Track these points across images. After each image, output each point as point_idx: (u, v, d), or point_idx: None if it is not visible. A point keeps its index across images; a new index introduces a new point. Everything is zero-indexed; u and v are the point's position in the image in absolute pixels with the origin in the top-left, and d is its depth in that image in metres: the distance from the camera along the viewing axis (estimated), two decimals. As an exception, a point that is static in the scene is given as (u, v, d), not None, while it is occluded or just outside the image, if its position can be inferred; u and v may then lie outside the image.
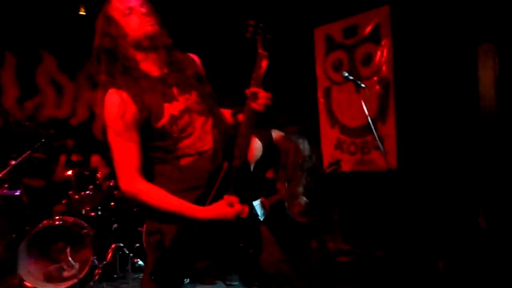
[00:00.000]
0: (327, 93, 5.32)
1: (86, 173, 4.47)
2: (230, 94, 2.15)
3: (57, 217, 3.93)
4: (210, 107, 1.86)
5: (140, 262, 4.20)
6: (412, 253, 3.91)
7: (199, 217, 1.69)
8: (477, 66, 4.02)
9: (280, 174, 3.93)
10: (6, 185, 4.14)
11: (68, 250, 3.76)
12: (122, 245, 4.18)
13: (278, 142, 3.95)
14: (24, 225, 4.17)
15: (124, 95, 1.72)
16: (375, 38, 4.77)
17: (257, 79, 1.74)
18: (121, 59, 1.76)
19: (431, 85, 4.27)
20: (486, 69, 3.98)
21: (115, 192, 4.26)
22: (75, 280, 3.72)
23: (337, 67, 5.17)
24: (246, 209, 1.74)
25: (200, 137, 1.80)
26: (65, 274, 3.84)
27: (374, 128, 2.91)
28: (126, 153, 1.73)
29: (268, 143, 3.79)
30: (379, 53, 4.74)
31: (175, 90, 1.80)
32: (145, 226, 1.94)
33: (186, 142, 1.77)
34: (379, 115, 4.72)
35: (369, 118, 2.92)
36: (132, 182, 1.73)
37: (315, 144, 5.01)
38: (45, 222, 3.87)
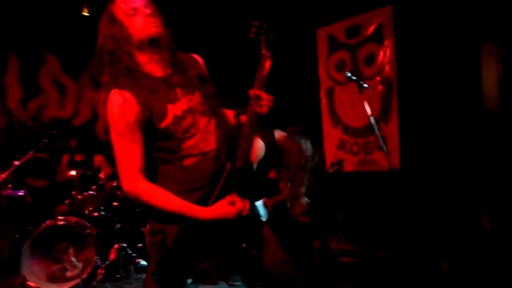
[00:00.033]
0: (330, 93, 5.32)
1: (89, 173, 4.48)
2: (233, 94, 2.14)
3: (60, 217, 3.94)
4: (213, 108, 1.86)
5: (143, 262, 4.20)
6: (415, 254, 3.90)
7: (200, 217, 1.69)
8: (480, 67, 4.01)
9: (283, 174, 3.93)
10: (9, 186, 4.16)
11: (71, 250, 3.75)
12: (125, 245, 4.18)
13: (281, 142, 3.95)
14: (27, 225, 4.18)
15: (127, 95, 1.72)
16: (378, 38, 4.76)
17: (260, 79, 1.74)
18: (124, 60, 1.75)
19: (434, 86, 4.26)
20: (489, 69, 3.97)
21: (118, 192, 4.26)
22: (78, 280, 3.73)
23: (340, 67, 5.16)
24: (247, 205, 1.74)
25: (203, 138, 1.80)
26: (68, 274, 3.86)
27: (377, 128, 2.91)
28: (128, 153, 1.73)
29: (270, 143, 3.79)
30: (382, 53, 4.73)
31: (178, 91, 1.80)
32: (147, 226, 1.95)
33: (190, 142, 1.77)
34: (382, 115, 4.71)
35: (372, 118, 2.92)
36: (134, 183, 1.73)
37: (318, 144, 5.01)
38: (48, 222, 3.88)
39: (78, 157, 4.86)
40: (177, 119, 1.75)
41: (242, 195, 1.73)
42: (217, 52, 4.67)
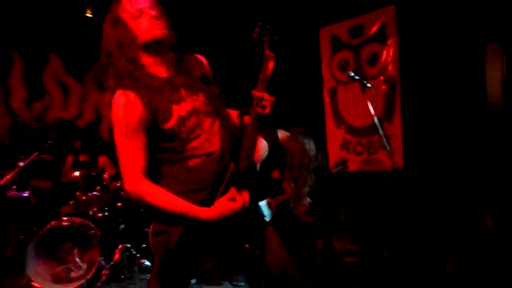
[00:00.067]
0: (333, 93, 5.31)
1: (93, 174, 4.49)
2: (237, 95, 2.15)
3: (64, 218, 3.95)
4: (217, 108, 1.86)
5: (147, 263, 4.21)
6: (419, 254, 3.90)
7: (203, 217, 1.69)
8: (485, 66, 3.99)
9: (286, 174, 3.93)
10: (14, 187, 4.17)
11: (75, 250, 3.76)
12: (129, 245, 4.19)
13: (284, 142, 3.95)
14: (32, 226, 4.19)
15: (132, 96, 1.72)
16: (381, 37, 4.76)
17: (263, 80, 1.74)
18: (129, 61, 1.76)
19: (437, 85, 4.25)
20: (494, 69, 3.95)
21: (122, 193, 4.28)
22: (83, 281, 3.73)
23: (343, 67, 5.15)
24: (247, 196, 1.73)
25: (208, 138, 1.80)
26: (73, 274, 3.86)
27: (381, 128, 2.90)
28: (131, 154, 1.73)
29: (274, 143, 3.79)
30: (385, 52, 4.72)
31: (182, 92, 1.80)
32: (151, 227, 1.95)
33: (195, 143, 1.78)
34: (385, 115, 4.70)
35: (375, 118, 2.92)
36: (137, 183, 1.73)
37: (321, 144, 5.00)
38: (52, 223, 3.89)
39: (82, 158, 4.86)
40: (182, 120, 1.76)
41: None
42: (221, 53, 4.68)
